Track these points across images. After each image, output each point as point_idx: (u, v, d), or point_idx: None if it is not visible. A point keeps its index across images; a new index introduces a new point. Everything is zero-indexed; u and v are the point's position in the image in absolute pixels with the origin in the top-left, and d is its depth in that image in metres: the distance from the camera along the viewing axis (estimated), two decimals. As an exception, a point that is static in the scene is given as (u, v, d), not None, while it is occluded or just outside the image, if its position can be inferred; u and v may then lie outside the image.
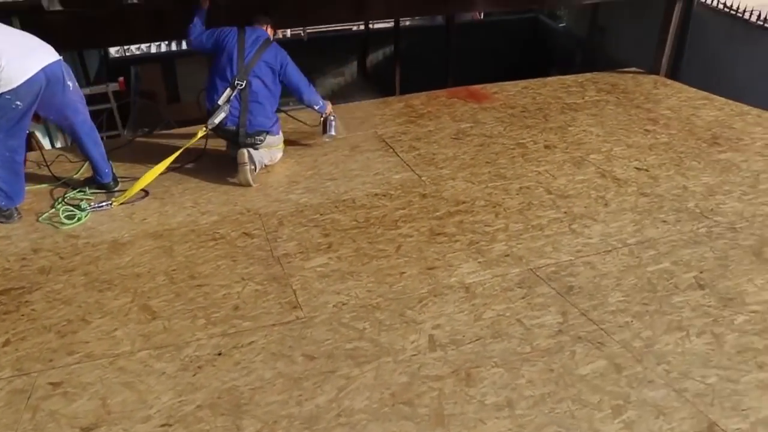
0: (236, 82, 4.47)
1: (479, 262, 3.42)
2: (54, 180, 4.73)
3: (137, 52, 11.71)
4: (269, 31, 4.70)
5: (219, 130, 4.56)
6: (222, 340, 2.98)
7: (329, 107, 4.84)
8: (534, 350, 2.72)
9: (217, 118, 4.47)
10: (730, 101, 5.66)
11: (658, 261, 3.32)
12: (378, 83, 10.64)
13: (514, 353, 2.71)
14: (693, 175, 4.29)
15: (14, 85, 3.88)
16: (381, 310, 3.10)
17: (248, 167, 4.45)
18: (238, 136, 4.51)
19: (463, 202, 4.10)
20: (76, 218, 4.20)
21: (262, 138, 4.57)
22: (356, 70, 11.74)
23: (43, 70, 3.97)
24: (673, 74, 8.03)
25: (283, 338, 2.95)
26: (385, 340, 2.87)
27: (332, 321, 3.05)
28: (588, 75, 6.63)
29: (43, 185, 4.69)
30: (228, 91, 4.49)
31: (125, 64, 10.53)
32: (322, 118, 4.87)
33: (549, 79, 6.52)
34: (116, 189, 4.59)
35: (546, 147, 4.88)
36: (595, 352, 2.68)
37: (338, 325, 3.01)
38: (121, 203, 4.34)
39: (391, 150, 5.01)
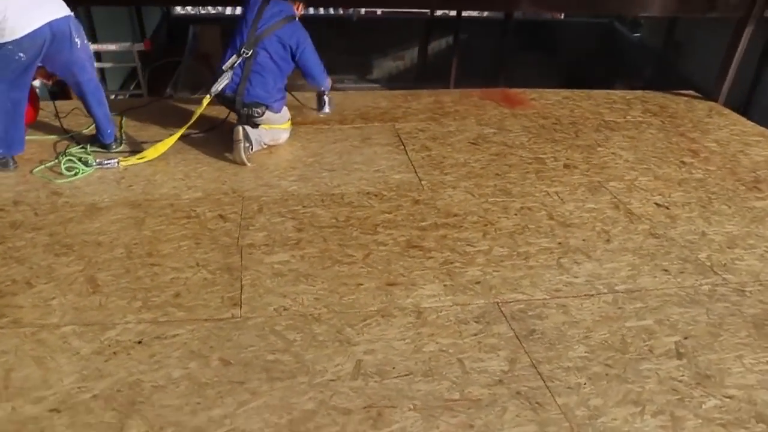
0: (243, 50, 4.32)
1: (445, 286, 3.12)
2: (62, 133, 4.66)
3: (201, 12, 11.68)
4: (296, 8, 4.49)
5: (220, 98, 4.44)
6: (149, 328, 2.81)
7: (329, 83, 4.68)
8: (463, 398, 2.42)
9: (220, 85, 4.34)
10: (789, 142, 5.08)
11: (642, 316, 2.94)
12: (436, 72, 10.27)
13: (439, 398, 2.42)
14: (717, 221, 3.83)
15: (17, 36, 3.81)
16: (320, 322, 2.85)
17: (242, 145, 4.29)
18: (235, 105, 4.36)
19: (455, 215, 3.79)
20: (74, 172, 4.18)
21: (259, 111, 4.40)
22: (417, 56, 11.35)
23: (49, 24, 3.90)
24: (746, 104, 7.40)
25: (208, 336, 2.75)
26: (310, 358, 2.62)
27: (265, 326, 2.82)
28: (639, 92, 6.13)
29: (51, 137, 4.65)
30: (234, 58, 4.35)
31: (187, 22, 10.50)
32: (318, 94, 4.73)
33: (595, 92, 6.04)
34: (118, 150, 4.53)
35: (566, 166, 4.49)
36: (528, 413, 2.35)
37: (269, 332, 2.79)
38: (128, 165, 4.30)
39: (402, 147, 4.72)
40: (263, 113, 4.43)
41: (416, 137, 4.90)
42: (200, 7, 11.23)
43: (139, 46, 5.61)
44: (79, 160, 4.25)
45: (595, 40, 10.61)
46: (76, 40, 4.13)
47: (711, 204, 4.06)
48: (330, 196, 4.00)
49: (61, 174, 4.16)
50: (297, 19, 4.42)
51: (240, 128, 4.31)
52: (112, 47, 5.72)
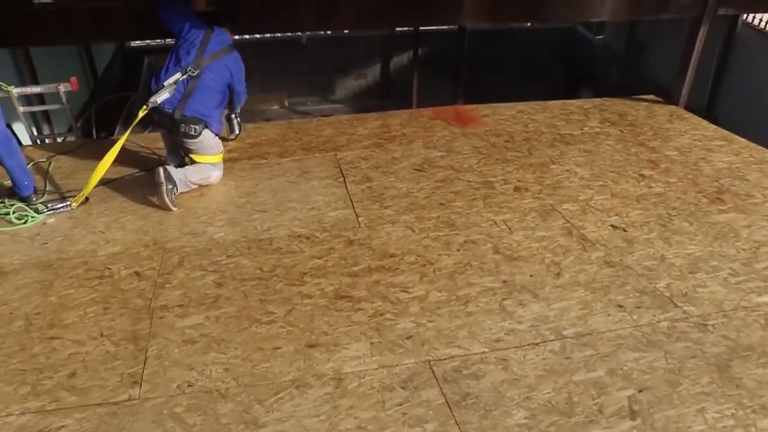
0: (190, 68, 4.20)
1: (372, 344, 2.77)
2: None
3: (157, 42, 11.32)
4: (231, 35, 4.50)
5: (156, 113, 4.19)
6: (32, 420, 2.45)
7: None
8: (378, 491, 2.05)
9: (159, 98, 4.13)
10: (753, 144, 4.79)
11: (592, 367, 2.60)
12: (400, 88, 9.94)
13: (351, 493, 2.05)
14: (678, 241, 3.51)
15: None
16: (226, 399, 2.50)
17: (164, 187, 4.01)
18: (173, 121, 4.14)
19: (391, 256, 3.45)
20: (24, 220, 4.01)
21: (197, 128, 4.15)
22: (380, 73, 11.04)
23: None
24: (709, 105, 7.12)
25: (98, 426, 2.38)
26: (208, 449, 2.24)
27: (164, 408, 2.47)
28: (597, 101, 5.83)
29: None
30: (178, 74, 4.19)
31: (142, 53, 10.14)
32: (227, 118, 4.65)
33: (551, 103, 5.73)
34: (39, 201, 4.18)
35: (516, 189, 4.16)
36: (451, 506, 1.98)
37: (167, 416, 2.43)
38: (80, 203, 4.15)
39: (342, 179, 4.39)
40: (200, 132, 4.16)
41: (358, 167, 4.56)
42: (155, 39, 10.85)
43: (66, 86, 5.24)
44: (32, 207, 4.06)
45: (558, 44, 10.33)
46: None
47: (671, 221, 3.74)
48: (258, 242, 3.65)
49: (10, 223, 3.95)
50: (234, 48, 4.40)
51: (161, 169, 4.02)
52: (37, 89, 5.34)
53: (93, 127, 7.45)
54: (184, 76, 4.19)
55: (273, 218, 3.93)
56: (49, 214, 4.06)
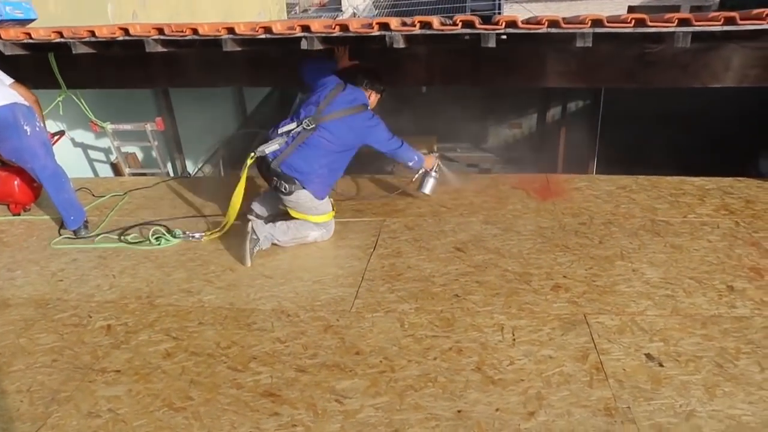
0: (305, 121, 3.99)
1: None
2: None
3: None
4: (371, 98, 4.23)
5: (263, 162, 4.04)
6: None
7: (429, 161, 4.52)
8: None
9: (268, 148, 3.99)
10: None
11: None
12: (553, 144, 9.20)
13: None
14: (726, 394, 2.65)
15: None
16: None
17: (248, 239, 3.94)
18: (270, 171, 3.98)
19: (356, 353, 3.07)
20: (162, 240, 4.29)
21: (288, 186, 3.96)
22: (535, 124, 10.33)
23: None
24: None
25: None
26: None
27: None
28: (726, 180, 4.77)
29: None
30: (292, 125, 4.02)
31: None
32: (420, 172, 4.56)
33: (666, 179, 4.80)
34: (89, 235, 4.44)
35: (555, 288, 3.47)
36: None
37: None
38: (210, 238, 4.29)
39: (371, 251, 3.98)
40: (291, 190, 3.97)
41: (396, 238, 4.13)
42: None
43: (152, 125, 5.47)
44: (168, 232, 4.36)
45: (744, 103, 8.83)
46: (26, 127, 4.06)
47: (735, 362, 2.82)
48: (238, 312, 3.41)
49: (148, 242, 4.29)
50: (369, 108, 4.18)
51: (251, 222, 3.98)
52: (128, 127, 5.63)
53: (220, 163, 7.76)
54: (297, 128, 3.99)
55: (272, 287, 3.65)
56: (182, 239, 4.28)
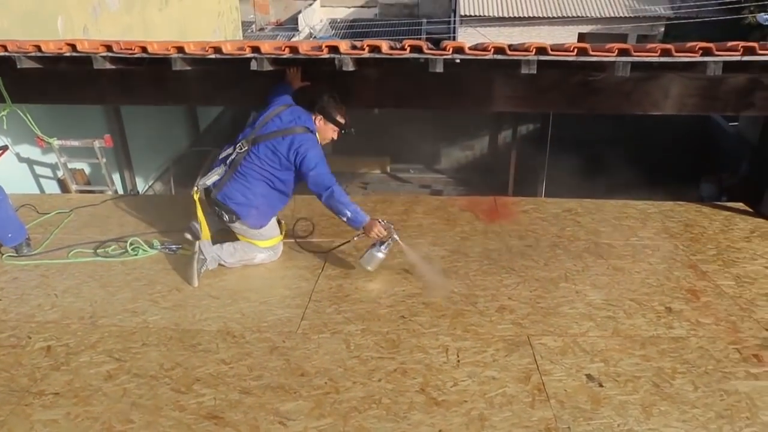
0: (239, 144, 3.84)
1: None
2: None
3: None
4: (318, 123, 3.92)
5: (207, 193, 3.92)
6: None
7: (375, 228, 3.73)
8: None
9: (209, 180, 3.88)
10: None
11: None
12: (506, 165, 9.36)
13: None
14: (662, 413, 2.76)
15: None
16: None
17: (195, 259, 3.86)
18: (210, 200, 3.88)
19: (301, 374, 3.06)
20: (136, 252, 4.26)
21: (231, 218, 3.87)
22: (487, 147, 10.52)
23: None
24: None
25: None
26: None
27: None
28: (668, 204, 4.94)
29: None
30: (230, 150, 3.89)
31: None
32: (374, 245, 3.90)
33: (610, 202, 4.95)
34: (31, 253, 4.31)
35: (500, 309, 3.52)
36: None
37: None
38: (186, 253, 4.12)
39: (320, 272, 3.96)
40: (233, 220, 3.88)
41: (345, 260, 4.14)
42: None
43: (101, 142, 5.38)
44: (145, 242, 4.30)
45: (686, 130, 9.17)
46: None
47: (671, 381, 2.92)
48: (184, 333, 3.36)
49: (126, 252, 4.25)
50: (312, 133, 3.87)
51: (198, 242, 3.89)
52: (75, 143, 5.52)
53: (171, 181, 7.66)
54: (233, 154, 3.85)
55: (219, 308, 3.61)
56: (159, 251, 4.24)
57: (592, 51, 3.53)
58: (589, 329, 3.34)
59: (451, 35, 14.94)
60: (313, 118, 3.89)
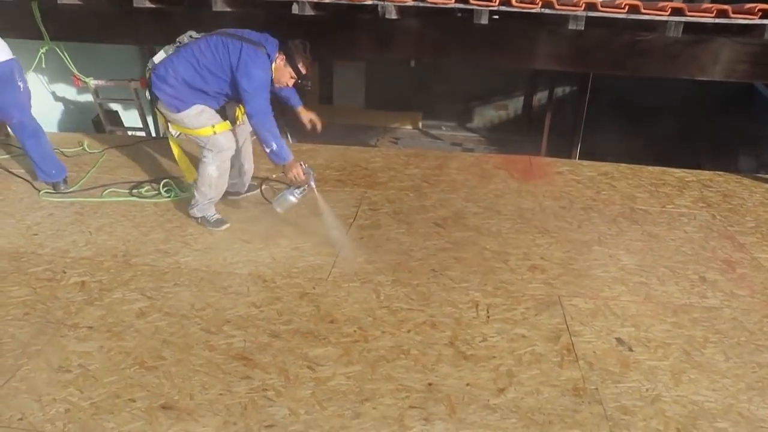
0: (184, 37, 3.71)
1: (225, 424, 2.36)
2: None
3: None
4: (278, 60, 3.63)
5: None
6: None
7: (294, 169, 3.58)
8: None
9: (157, 58, 3.71)
10: None
11: None
12: (539, 128, 9.21)
13: None
14: (692, 380, 2.71)
15: None
16: (31, 454, 2.21)
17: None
18: None
19: (330, 321, 3.08)
20: (172, 193, 4.35)
21: (158, 105, 3.77)
22: (521, 107, 10.33)
23: None
24: None
25: None
26: None
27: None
28: (707, 174, 4.84)
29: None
30: (186, 37, 3.75)
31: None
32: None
33: (648, 168, 4.85)
34: (68, 191, 4.41)
35: (531, 269, 3.50)
36: None
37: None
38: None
39: (351, 221, 3.96)
40: (155, 98, 3.72)
41: (377, 210, 4.12)
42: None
43: (136, 84, 5.37)
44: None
45: (728, 99, 8.91)
46: (19, 83, 4.10)
47: (702, 350, 2.87)
48: (215, 274, 3.39)
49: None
50: (269, 58, 3.58)
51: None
52: (111, 84, 5.52)
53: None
54: (187, 38, 3.69)
55: (249, 252, 3.63)
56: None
57: (644, 9, 3.40)
58: (620, 293, 3.29)
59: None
60: (277, 53, 3.63)
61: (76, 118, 6.46)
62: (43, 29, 4.75)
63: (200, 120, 3.70)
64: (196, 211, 3.93)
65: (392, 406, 2.49)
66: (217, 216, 3.94)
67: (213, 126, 3.71)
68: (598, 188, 4.53)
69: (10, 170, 4.70)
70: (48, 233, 3.86)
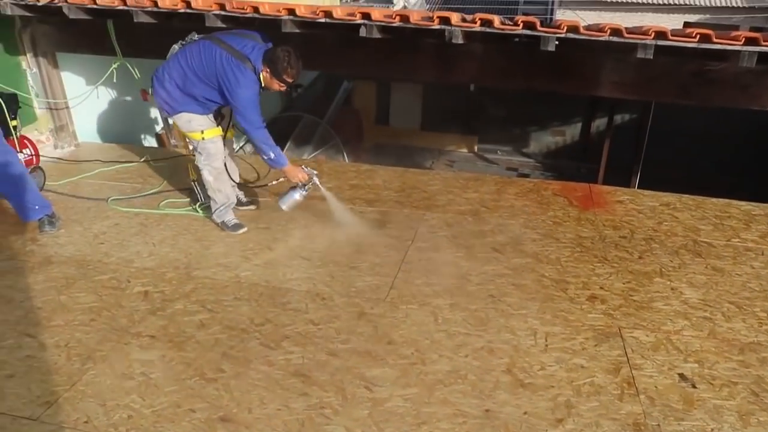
0: (189, 37, 3.88)
1: (281, 441, 2.38)
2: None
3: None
4: (264, 72, 3.70)
5: None
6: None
7: (294, 172, 3.94)
8: None
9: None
10: None
11: None
12: (596, 155, 9.11)
13: None
14: (761, 423, 2.57)
15: None
16: (96, 458, 2.28)
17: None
18: None
19: (388, 343, 3.09)
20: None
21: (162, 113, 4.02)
22: (579, 134, 10.24)
23: None
24: None
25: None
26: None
27: (40, 447, 2.33)
28: (777, 206, 4.67)
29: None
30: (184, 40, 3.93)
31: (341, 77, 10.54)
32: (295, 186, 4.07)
33: (712, 200, 4.72)
34: (48, 231, 4.22)
35: (591, 298, 3.44)
36: None
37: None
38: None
39: (409, 244, 3.99)
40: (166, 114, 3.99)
41: (435, 233, 4.14)
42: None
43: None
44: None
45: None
46: None
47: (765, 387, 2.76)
48: (275, 290, 3.45)
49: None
50: (256, 74, 3.69)
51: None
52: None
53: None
54: (187, 41, 3.86)
55: (308, 269, 3.69)
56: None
57: (716, 38, 3.34)
58: (683, 328, 3.21)
59: (548, 17, 14.51)
60: (262, 67, 3.68)
61: (142, 132, 6.68)
62: (116, 45, 4.94)
63: (190, 126, 3.92)
64: (215, 217, 4.15)
65: (449, 431, 2.47)
66: (235, 221, 4.14)
67: (202, 132, 3.93)
68: (659, 219, 4.44)
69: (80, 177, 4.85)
70: (113, 242, 3.99)
